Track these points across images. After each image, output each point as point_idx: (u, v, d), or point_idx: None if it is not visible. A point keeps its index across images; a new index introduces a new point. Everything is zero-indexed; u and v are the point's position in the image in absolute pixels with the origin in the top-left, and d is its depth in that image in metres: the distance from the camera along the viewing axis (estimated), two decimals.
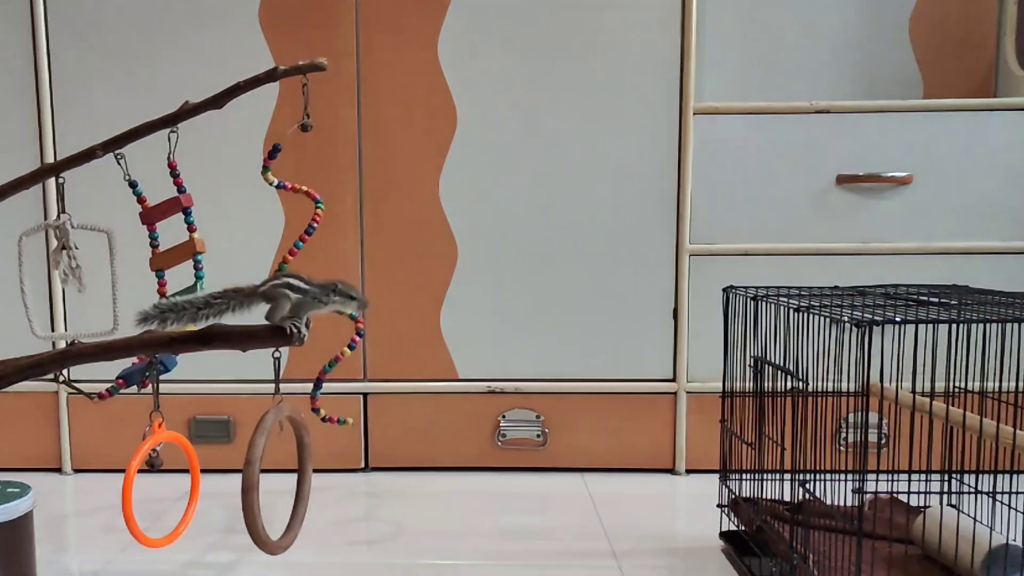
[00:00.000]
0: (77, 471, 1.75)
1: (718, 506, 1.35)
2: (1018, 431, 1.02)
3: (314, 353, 1.63)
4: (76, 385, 1.17)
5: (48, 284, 1.70)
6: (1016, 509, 1.10)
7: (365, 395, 1.73)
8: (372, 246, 1.69)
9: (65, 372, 1.68)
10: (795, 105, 1.65)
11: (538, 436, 1.73)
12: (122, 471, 1.00)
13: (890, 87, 1.85)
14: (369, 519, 1.49)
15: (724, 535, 1.34)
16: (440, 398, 1.73)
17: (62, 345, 1.49)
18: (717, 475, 1.36)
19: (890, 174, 1.64)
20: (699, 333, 1.69)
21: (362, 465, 1.74)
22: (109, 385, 1.13)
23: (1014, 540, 1.08)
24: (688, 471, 1.72)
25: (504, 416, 1.72)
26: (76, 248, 1.16)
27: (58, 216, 1.16)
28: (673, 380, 1.71)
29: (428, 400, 1.72)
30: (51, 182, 1.66)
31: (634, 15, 1.64)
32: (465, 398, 1.73)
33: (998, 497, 1.11)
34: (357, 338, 1.29)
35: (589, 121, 1.66)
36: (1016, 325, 0.97)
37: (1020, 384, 1.06)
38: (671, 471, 1.73)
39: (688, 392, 1.70)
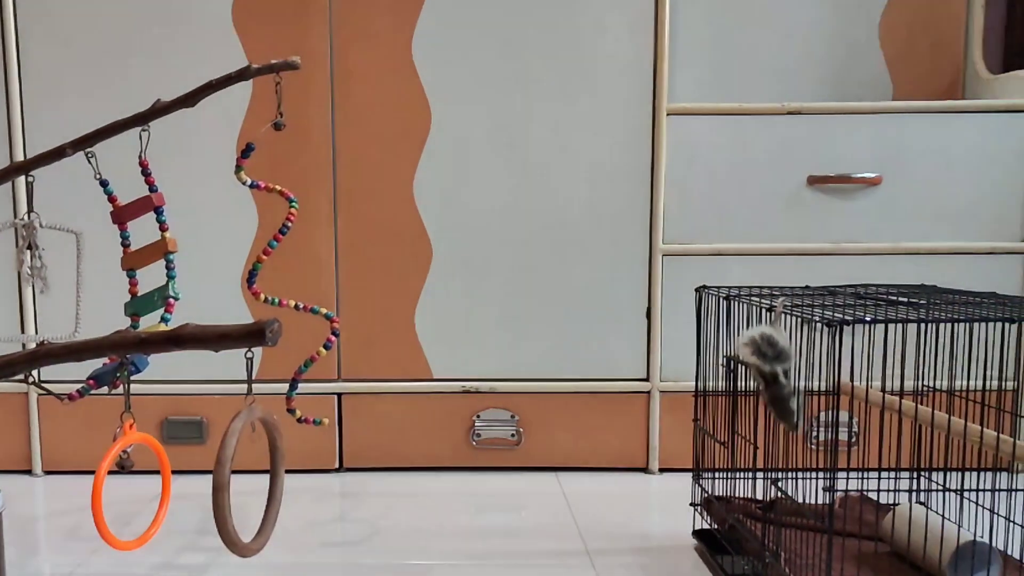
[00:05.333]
0: (48, 473, 1.73)
1: (691, 505, 1.36)
2: (985, 429, 1.04)
3: (289, 353, 1.62)
4: (46, 386, 1.16)
5: (18, 284, 1.68)
6: (983, 506, 1.11)
7: (339, 395, 1.72)
8: (346, 245, 1.69)
9: (35, 373, 1.66)
10: (767, 106, 1.66)
11: (513, 436, 1.73)
12: (93, 473, 0.99)
13: (860, 89, 1.87)
14: (343, 520, 1.48)
15: (697, 533, 1.35)
16: (415, 398, 1.72)
17: (31, 346, 1.48)
18: (690, 474, 1.36)
19: (860, 175, 1.66)
20: (672, 333, 1.70)
21: (336, 465, 1.74)
22: (80, 386, 1.12)
23: (981, 537, 1.09)
24: (661, 470, 1.73)
25: (479, 416, 1.73)
26: (42, 248, 1.15)
27: (26, 215, 1.15)
28: (646, 379, 1.72)
29: (403, 400, 1.72)
30: (20, 181, 1.64)
31: (608, 16, 1.65)
32: (440, 398, 1.72)
33: (966, 495, 1.13)
34: (332, 338, 1.29)
35: (563, 121, 1.67)
36: (983, 325, 0.98)
37: (987, 383, 1.08)
38: (644, 470, 1.74)
39: (661, 391, 1.71)
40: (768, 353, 1.05)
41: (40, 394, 1.70)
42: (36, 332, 1.69)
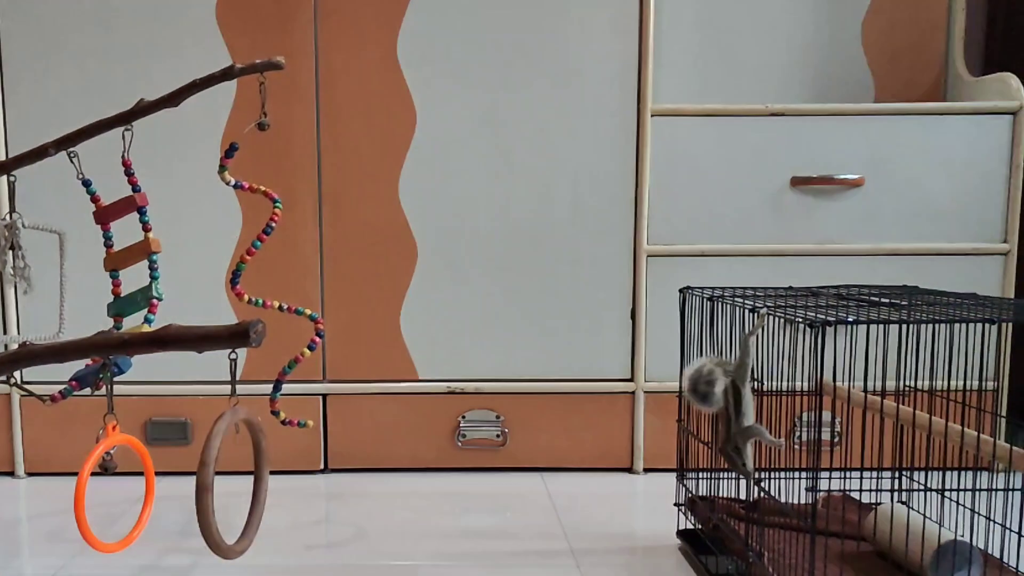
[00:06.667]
0: (30, 474, 1.72)
1: (675, 505, 1.36)
2: (966, 429, 1.05)
3: (273, 354, 1.62)
4: (28, 387, 1.15)
5: (0, 285, 1.67)
6: (964, 505, 1.12)
7: (324, 396, 1.72)
8: (331, 246, 1.68)
9: (17, 374, 1.65)
10: (751, 108, 1.67)
11: (498, 436, 1.73)
12: (76, 474, 0.98)
13: (843, 91, 1.88)
14: (329, 521, 1.48)
15: (681, 533, 1.35)
16: (400, 399, 1.72)
17: (14, 347, 1.47)
18: (674, 474, 1.37)
19: (842, 176, 1.67)
20: (656, 333, 1.70)
21: (321, 466, 1.74)
22: (62, 387, 1.12)
23: (962, 536, 1.10)
24: (646, 470, 1.74)
25: (464, 416, 1.73)
26: (24, 249, 1.14)
27: (9, 215, 1.14)
28: (631, 380, 1.72)
29: (388, 401, 1.72)
30: (2, 180, 1.63)
31: (593, 17, 1.65)
32: (425, 398, 1.72)
33: (947, 494, 1.13)
34: (317, 339, 1.28)
35: (548, 122, 1.67)
36: (963, 325, 0.99)
37: (968, 383, 1.09)
38: (629, 470, 1.74)
39: (646, 392, 1.72)
40: (703, 390, 1.09)
41: (22, 395, 1.69)
42: (18, 333, 1.68)
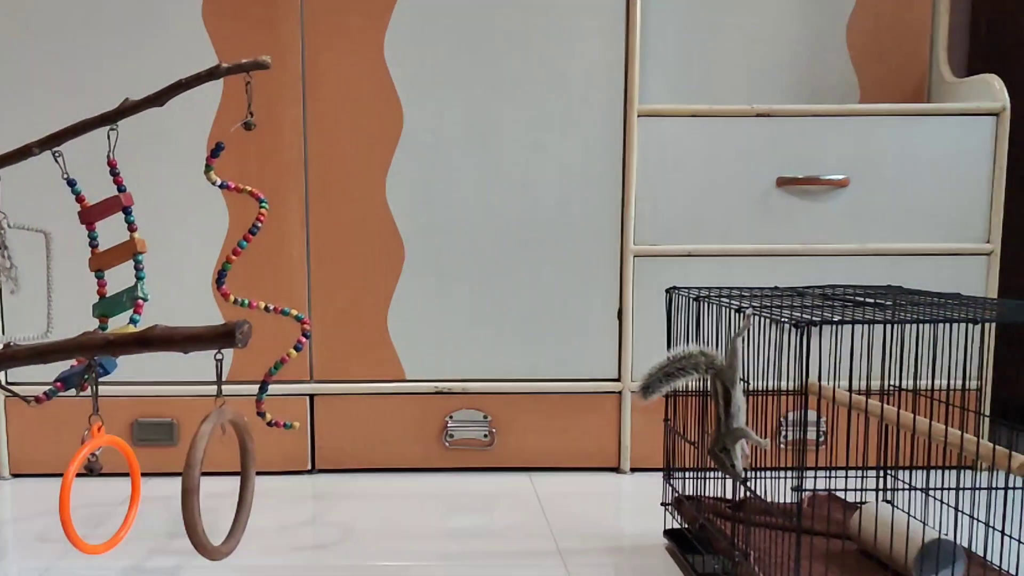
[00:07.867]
0: (15, 476, 1.71)
1: (662, 504, 1.37)
2: (950, 428, 1.06)
3: (260, 355, 1.61)
4: (13, 388, 1.15)
5: None
6: (948, 504, 1.13)
7: (311, 396, 1.71)
8: (318, 246, 1.68)
9: (2, 375, 1.64)
10: (736, 108, 1.68)
11: (485, 436, 1.73)
12: (61, 476, 0.98)
13: (828, 92, 1.89)
14: (316, 522, 1.48)
15: (668, 533, 1.36)
16: (387, 399, 1.72)
17: None
18: (661, 474, 1.37)
19: (828, 177, 1.68)
20: (643, 333, 1.71)
21: (308, 467, 1.73)
22: (47, 388, 1.11)
23: (946, 535, 1.11)
24: (633, 470, 1.74)
25: (451, 416, 1.73)
26: (9, 248, 1.14)
27: None
28: (618, 380, 1.72)
29: (375, 401, 1.72)
30: None
31: (579, 18, 1.65)
32: (412, 399, 1.72)
33: (931, 493, 1.14)
34: (303, 339, 1.28)
35: (535, 122, 1.67)
36: (947, 325, 1.00)
37: (951, 382, 1.09)
38: (616, 470, 1.75)
39: (633, 392, 1.72)
40: (648, 383, 1.10)
41: (7, 396, 1.68)
42: (3, 333, 1.67)
